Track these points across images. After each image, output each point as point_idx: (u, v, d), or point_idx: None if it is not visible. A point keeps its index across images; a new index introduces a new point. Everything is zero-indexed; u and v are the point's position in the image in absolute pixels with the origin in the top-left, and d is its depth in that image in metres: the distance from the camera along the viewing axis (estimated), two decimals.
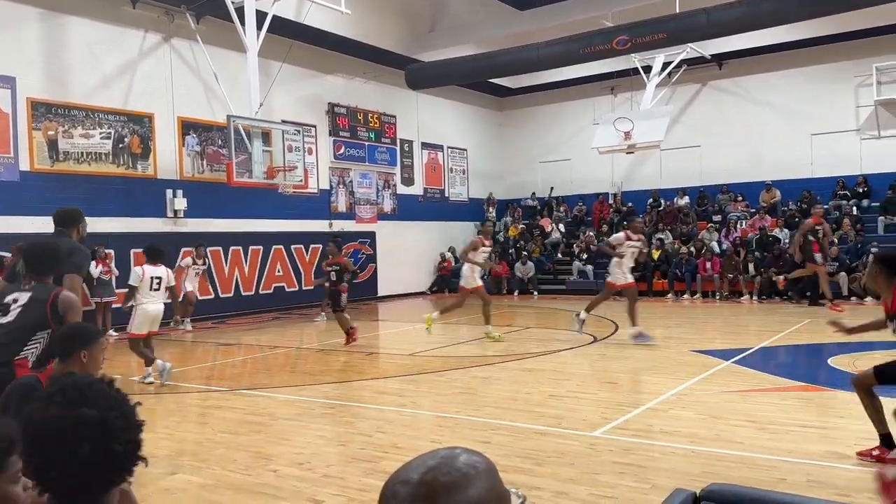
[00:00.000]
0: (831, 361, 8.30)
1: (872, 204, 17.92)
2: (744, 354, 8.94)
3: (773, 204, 18.89)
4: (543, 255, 20.79)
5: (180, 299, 11.62)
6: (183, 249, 14.30)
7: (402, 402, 7.00)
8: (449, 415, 6.40)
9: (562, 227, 21.85)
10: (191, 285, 13.96)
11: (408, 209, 20.65)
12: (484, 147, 23.88)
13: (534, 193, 23.31)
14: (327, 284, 11.39)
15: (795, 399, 6.49)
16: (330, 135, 18.35)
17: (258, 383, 8.20)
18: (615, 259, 10.52)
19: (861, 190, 18.29)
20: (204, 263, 14.51)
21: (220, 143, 15.15)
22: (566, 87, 21.85)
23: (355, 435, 5.81)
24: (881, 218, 17.25)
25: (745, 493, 1.85)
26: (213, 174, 15.25)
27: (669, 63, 18.53)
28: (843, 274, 15.44)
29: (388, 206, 20.20)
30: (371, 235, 19.37)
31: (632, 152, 19.03)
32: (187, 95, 14.89)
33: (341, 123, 18.67)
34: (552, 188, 22.99)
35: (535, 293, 19.44)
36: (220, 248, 15.44)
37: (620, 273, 10.45)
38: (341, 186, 18.75)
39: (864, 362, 8.27)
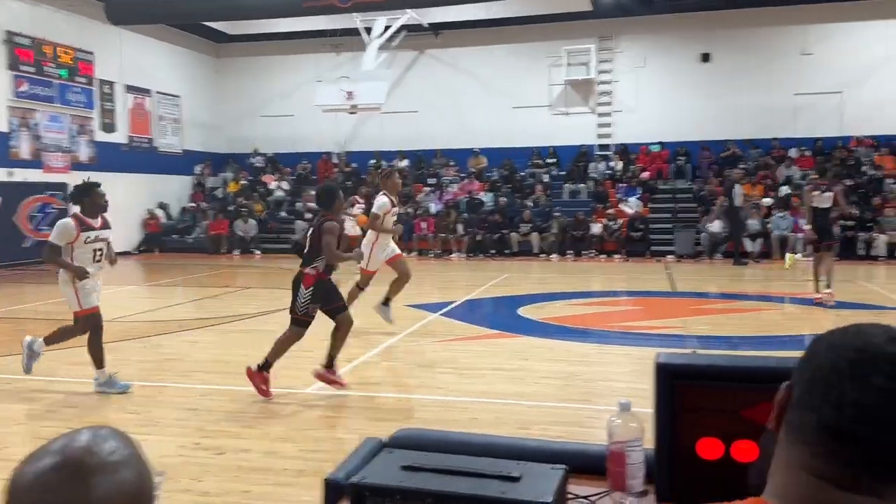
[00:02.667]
0: (521, 311, 9.33)
1: (560, 172, 20.37)
2: (451, 307, 9.65)
3: (481, 170, 20.53)
4: (266, 212, 20.26)
5: None
6: None
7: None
8: (153, 383, 5.97)
9: (285, 184, 21.45)
10: None
11: (109, 159, 18.56)
12: (200, 95, 22.35)
13: (256, 149, 22.48)
14: None
15: (491, 345, 7.19)
16: (9, 69, 15.72)
17: None
18: (372, 235, 7.93)
19: (551, 160, 20.68)
20: None
21: None
22: (289, 40, 21.27)
23: (42, 412, 5.14)
24: (566, 185, 19.70)
25: (430, 435, 1.96)
26: None
27: (390, 27, 18.97)
28: (534, 234, 17.38)
29: (84, 154, 17.95)
30: (63, 187, 17.09)
31: (354, 113, 19.28)
32: None
33: (24, 56, 16.08)
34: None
35: (257, 252, 18.92)
36: None
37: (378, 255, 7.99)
38: (24, 129, 16.24)
39: (546, 311, 9.46)
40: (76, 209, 5.68)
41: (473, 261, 17.08)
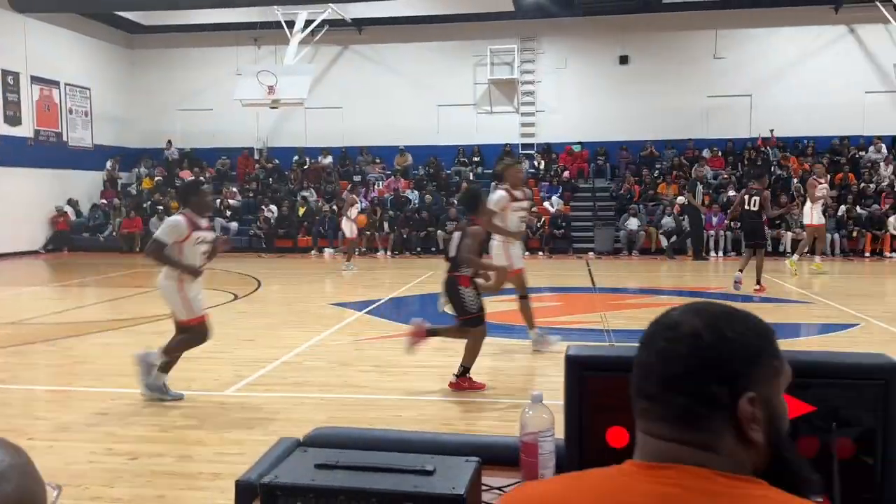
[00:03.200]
0: (447, 308, 9.35)
1: (485, 171, 20.56)
2: (375, 305, 9.60)
3: (406, 167, 20.50)
4: None
5: None
6: None
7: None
8: (62, 387, 5.70)
9: (203, 180, 20.81)
10: None
11: (13, 153, 17.57)
12: (112, 88, 21.44)
13: (169, 142, 21.68)
14: None
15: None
16: None
17: None
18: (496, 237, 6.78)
19: (476, 158, 20.84)
20: None
21: None
22: (207, 32, 20.66)
23: None
24: (493, 183, 19.83)
25: (346, 432, 1.94)
26: None
27: (312, 21, 18.70)
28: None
29: None
30: None
31: (276, 107, 18.91)
32: None
33: None
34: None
35: None
36: None
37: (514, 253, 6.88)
38: None
39: None
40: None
41: (399, 259, 17.05)
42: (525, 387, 5.58)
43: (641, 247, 16.74)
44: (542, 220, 17.63)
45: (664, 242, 16.49)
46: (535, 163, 20.28)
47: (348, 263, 14.15)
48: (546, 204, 18.49)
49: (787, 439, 0.94)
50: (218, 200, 19.68)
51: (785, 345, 0.98)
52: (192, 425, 4.65)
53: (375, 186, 19.74)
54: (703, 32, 19.76)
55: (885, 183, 17.33)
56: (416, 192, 19.29)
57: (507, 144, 20.45)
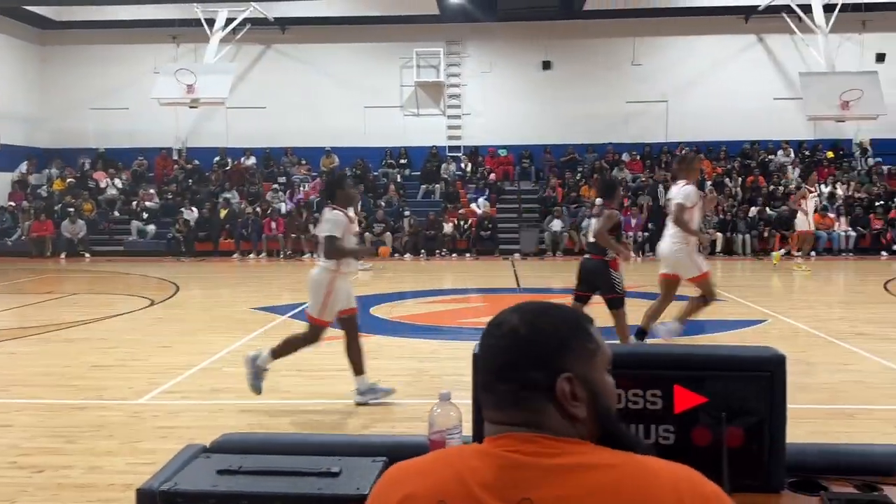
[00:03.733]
0: (372, 311, 9.33)
1: (413, 173, 20.58)
2: (299, 309, 9.44)
3: (333, 169, 20.28)
4: (97, 212, 18.83)
5: None
6: None
7: None
8: None
9: (118, 182, 20.05)
10: None
11: None
12: (21, 85, 20.38)
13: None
14: None
15: (339, 347, 7.07)
16: None
17: None
18: (681, 234, 6.23)
19: (403, 160, 20.83)
20: None
21: None
22: (123, 29, 19.89)
23: None
24: (423, 186, 19.93)
25: (253, 437, 1.91)
26: None
27: (233, 19, 18.30)
28: (387, 234, 17.45)
29: None
30: None
31: (195, 107, 18.42)
32: None
33: None
34: None
35: (87, 255, 17.54)
36: None
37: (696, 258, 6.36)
38: None
39: (398, 310, 9.53)
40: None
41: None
42: (448, 387, 5.60)
43: (565, 247, 17.10)
44: (469, 222, 17.79)
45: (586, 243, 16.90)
46: (462, 165, 20.43)
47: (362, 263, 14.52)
48: (473, 206, 18.67)
49: (612, 414, 1.05)
50: (134, 202, 19.00)
51: (694, 340, 1.04)
52: (102, 436, 4.47)
53: (301, 188, 19.45)
54: (622, 40, 20.36)
55: (793, 185, 18.27)
56: None
57: (433, 147, 20.54)
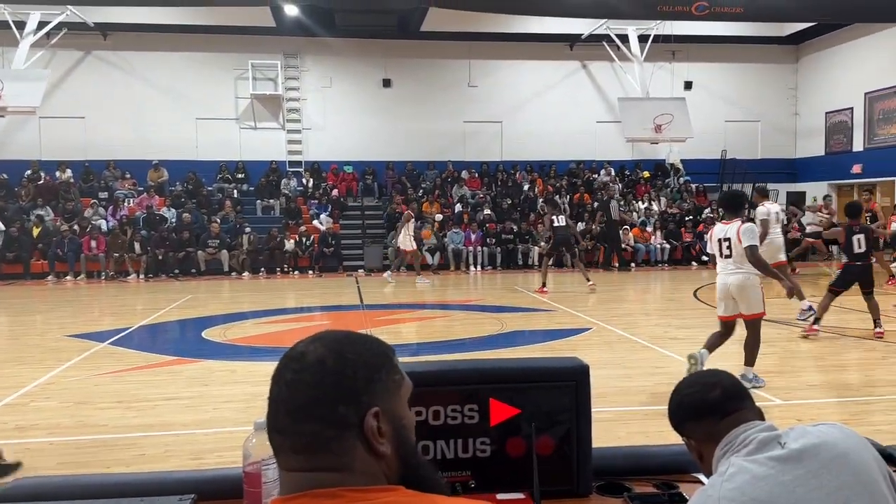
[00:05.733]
0: (205, 334, 8.87)
1: (250, 188, 19.90)
2: (122, 334, 8.79)
3: (161, 183, 19.16)
4: None
5: None
6: None
7: None
8: None
9: None
10: None
11: None
12: None
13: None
14: None
15: (166, 374, 6.67)
16: None
17: None
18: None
19: (240, 175, 20.11)
20: None
21: None
22: None
23: None
24: (259, 201, 19.31)
25: (49, 482, 1.73)
26: None
27: (47, 23, 16.83)
28: (224, 251, 16.72)
29: None
30: None
31: (2, 115, 16.70)
32: None
33: None
34: None
35: None
36: None
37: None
38: None
39: (233, 332, 9.14)
40: None
41: (153, 282, 15.83)
42: None
43: (408, 263, 17.22)
44: (312, 238, 17.46)
45: (430, 259, 17.16)
46: (304, 181, 20.07)
47: (420, 276, 15.23)
48: (315, 222, 18.38)
49: (413, 448, 0.98)
50: None
51: (516, 352, 1.04)
52: None
53: (125, 204, 18.16)
54: (458, 61, 21.02)
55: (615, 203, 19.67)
56: (173, 210, 18.07)
57: (273, 161, 20.02)
